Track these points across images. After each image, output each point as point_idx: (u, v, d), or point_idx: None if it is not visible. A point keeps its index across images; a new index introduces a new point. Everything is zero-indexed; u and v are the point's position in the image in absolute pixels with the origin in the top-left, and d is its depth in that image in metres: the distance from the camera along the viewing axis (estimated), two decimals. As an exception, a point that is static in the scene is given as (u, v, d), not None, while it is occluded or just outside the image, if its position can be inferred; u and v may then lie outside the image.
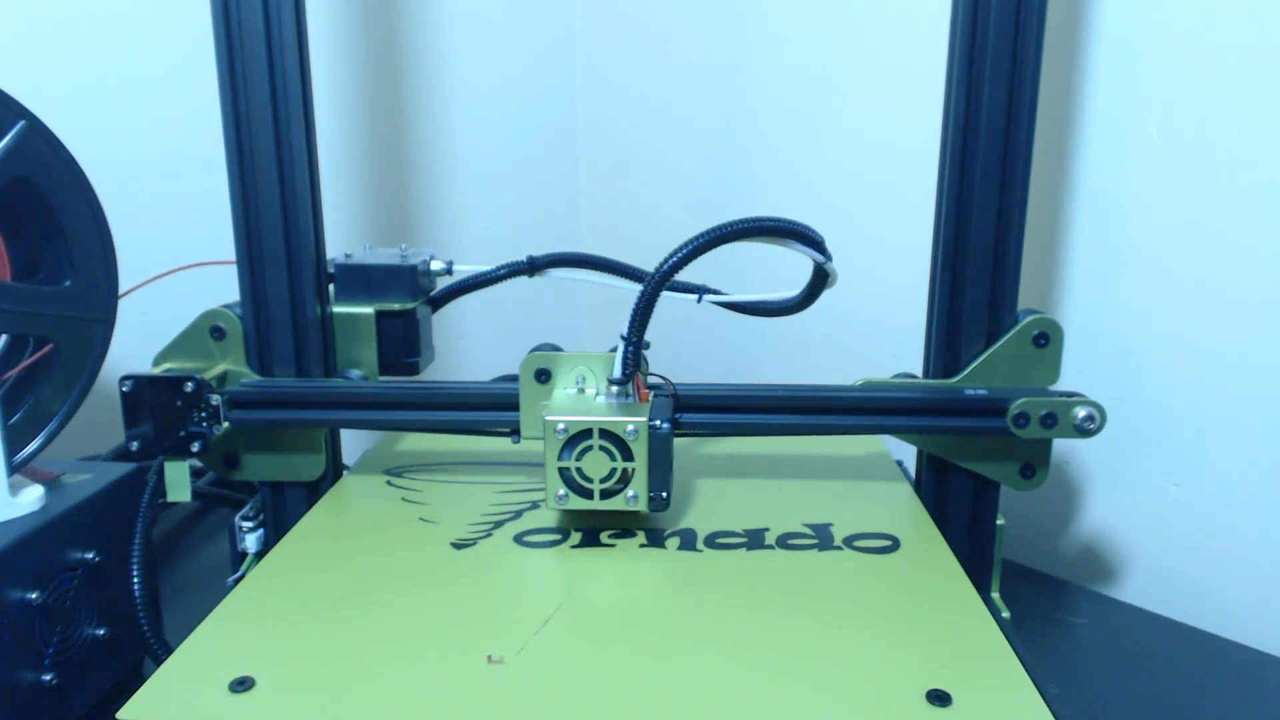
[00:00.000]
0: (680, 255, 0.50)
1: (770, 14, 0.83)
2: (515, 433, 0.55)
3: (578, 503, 0.51)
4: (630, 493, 0.50)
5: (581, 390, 0.53)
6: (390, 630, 0.42)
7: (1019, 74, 0.51)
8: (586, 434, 0.50)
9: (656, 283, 0.51)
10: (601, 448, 0.50)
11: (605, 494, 0.50)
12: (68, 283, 0.50)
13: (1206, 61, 0.59)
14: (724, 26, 0.88)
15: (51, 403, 0.50)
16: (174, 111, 0.80)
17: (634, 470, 0.50)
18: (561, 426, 0.50)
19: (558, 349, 0.55)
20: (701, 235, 0.51)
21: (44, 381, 0.50)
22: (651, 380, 0.54)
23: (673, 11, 0.92)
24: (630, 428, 0.49)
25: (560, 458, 0.50)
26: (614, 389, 0.52)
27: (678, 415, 0.54)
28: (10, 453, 0.48)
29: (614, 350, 0.52)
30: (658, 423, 0.50)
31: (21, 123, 0.48)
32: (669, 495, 0.51)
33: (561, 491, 0.51)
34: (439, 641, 0.41)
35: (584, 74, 1.02)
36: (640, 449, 0.50)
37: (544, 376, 0.54)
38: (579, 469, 0.50)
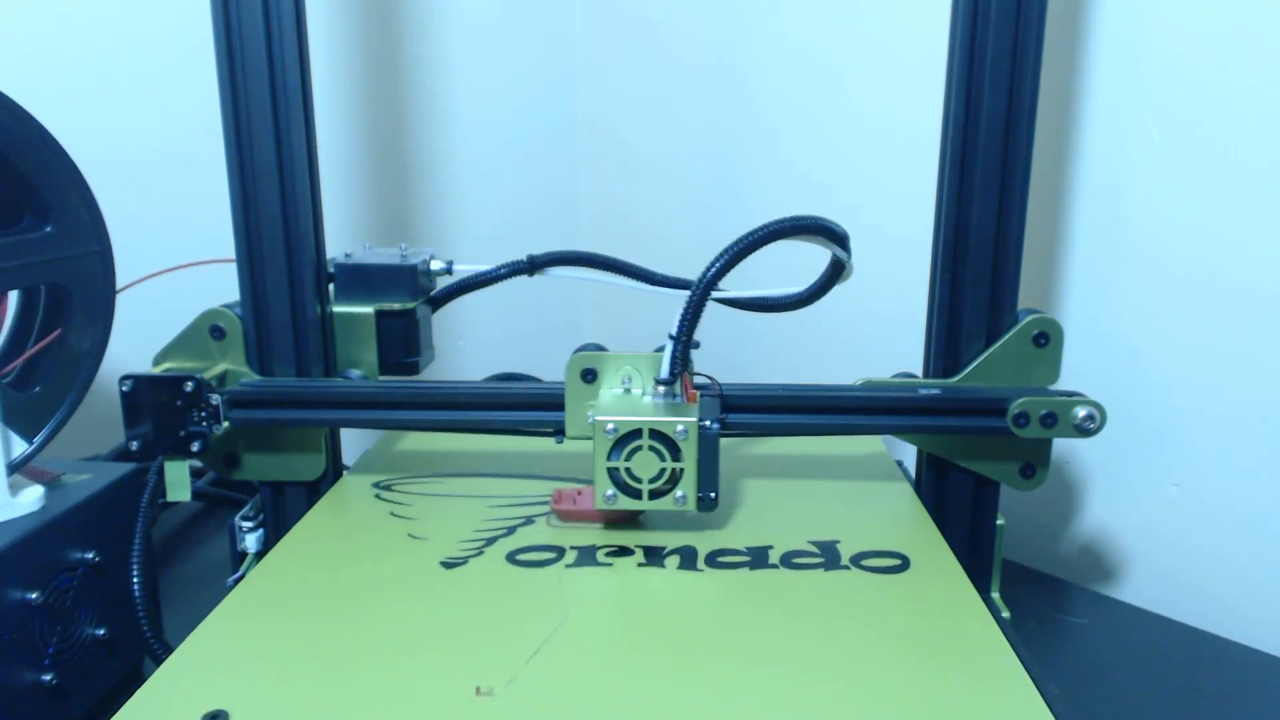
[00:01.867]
0: (735, 250, 0.50)
1: (771, 12, 0.83)
2: (559, 432, 0.55)
3: (626, 503, 0.50)
4: (679, 493, 0.50)
5: (628, 390, 0.53)
6: (372, 659, 0.40)
7: (1019, 74, 0.51)
8: (636, 434, 0.49)
9: (707, 283, 0.50)
10: (651, 448, 0.49)
11: (654, 494, 0.50)
12: (48, 228, 0.49)
13: (1207, 61, 0.59)
14: (724, 25, 0.88)
15: (81, 341, 0.50)
16: (174, 111, 0.80)
17: (683, 470, 0.49)
18: (611, 426, 0.49)
19: (602, 349, 0.54)
20: (750, 235, 0.50)
21: (67, 326, 0.50)
22: (698, 380, 0.54)
23: (673, 10, 0.92)
24: (680, 428, 0.49)
25: (609, 458, 0.50)
26: (661, 389, 0.52)
27: (725, 415, 0.53)
28: (9, 451, 0.48)
29: (660, 350, 0.52)
30: (707, 423, 0.49)
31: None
32: (717, 495, 0.50)
33: (610, 491, 0.50)
34: (424, 672, 0.39)
35: (584, 73, 1.02)
36: (690, 449, 0.49)
37: (590, 376, 0.53)
38: (628, 469, 0.50)
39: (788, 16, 0.82)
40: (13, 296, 0.50)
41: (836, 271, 0.57)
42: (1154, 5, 0.61)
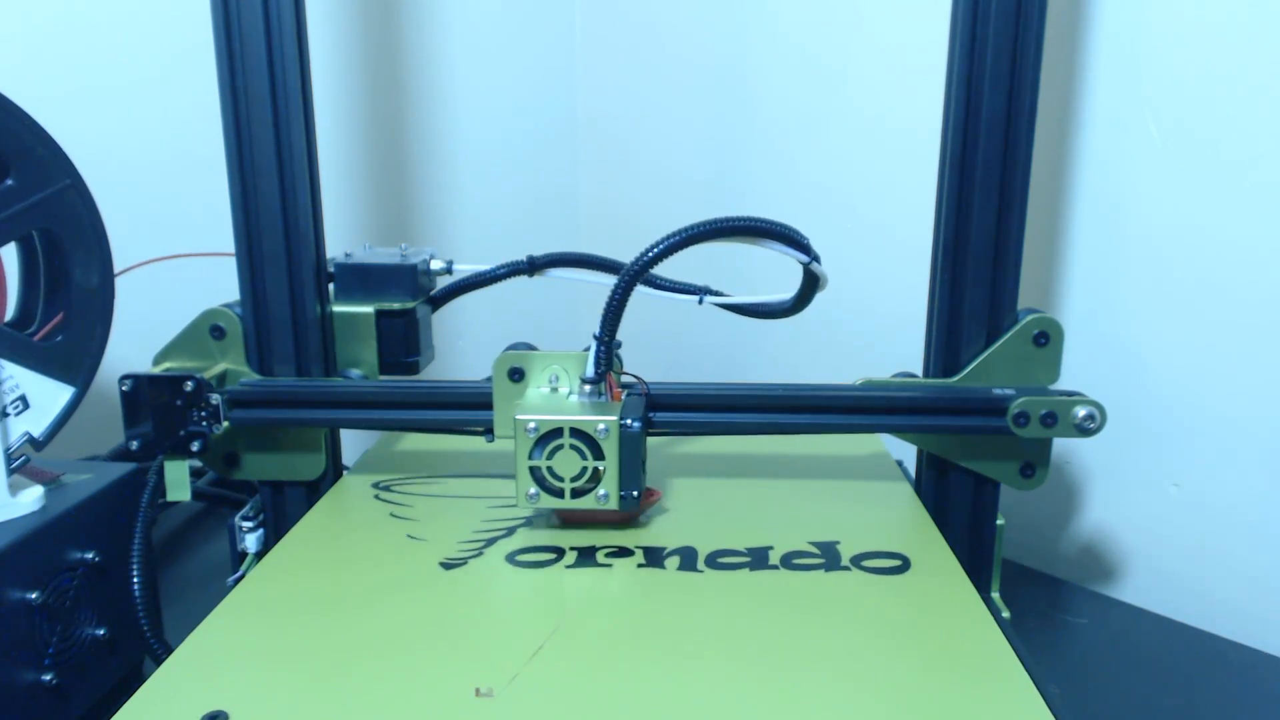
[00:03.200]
0: (652, 254, 0.50)
1: (770, 12, 0.83)
2: (489, 431, 0.55)
3: (549, 501, 0.50)
4: (601, 491, 0.50)
5: (555, 389, 0.53)
6: (372, 659, 0.40)
7: (1019, 74, 0.51)
8: (557, 433, 0.50)
9: (627, 281, 0.51)
10: (572, 446, 0.50)
11: (576, 493, 0.50)
12: (10, 180, 0.48)
13: (1207, 60, 0.59)
14: (724, 25, 0.88)
15: (87, 278, 0.50)
16: (174, 112, 0.80)
17: (604, 469, 0.50)
18: (532, 425, 0.50)
19: (532, 348, 0.55)
20: (675, 235, 0.50)
21: (71, 265, 0.50)
22: (625, 379, 0.54)
23: (673, 10, 0.92)
24: (601, 426, 0.49)
25: (531, 456, 0.50)
26: (586, 388, 0.52)
27: (651, 414, 0.54)
28: (9, 442, 0.48)
29: (587, 349, 0.52)
30: (629, 421, 0.49)
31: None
32: (640, 494, 0.50)
33: (532, 490, 0.50)
34: (423, 672, 0.39)
35: (584, 73, 1.02)
36: (611, 448, 0.50)
37: (517, 375, 0.54)
38: (550, 468, 0.50)
39: (787, 17, 0.82)
40: (10, 255, 0.50)
41: (810, 279, 0.57)
42: (1154, 5, 0.61)
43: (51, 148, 0.49)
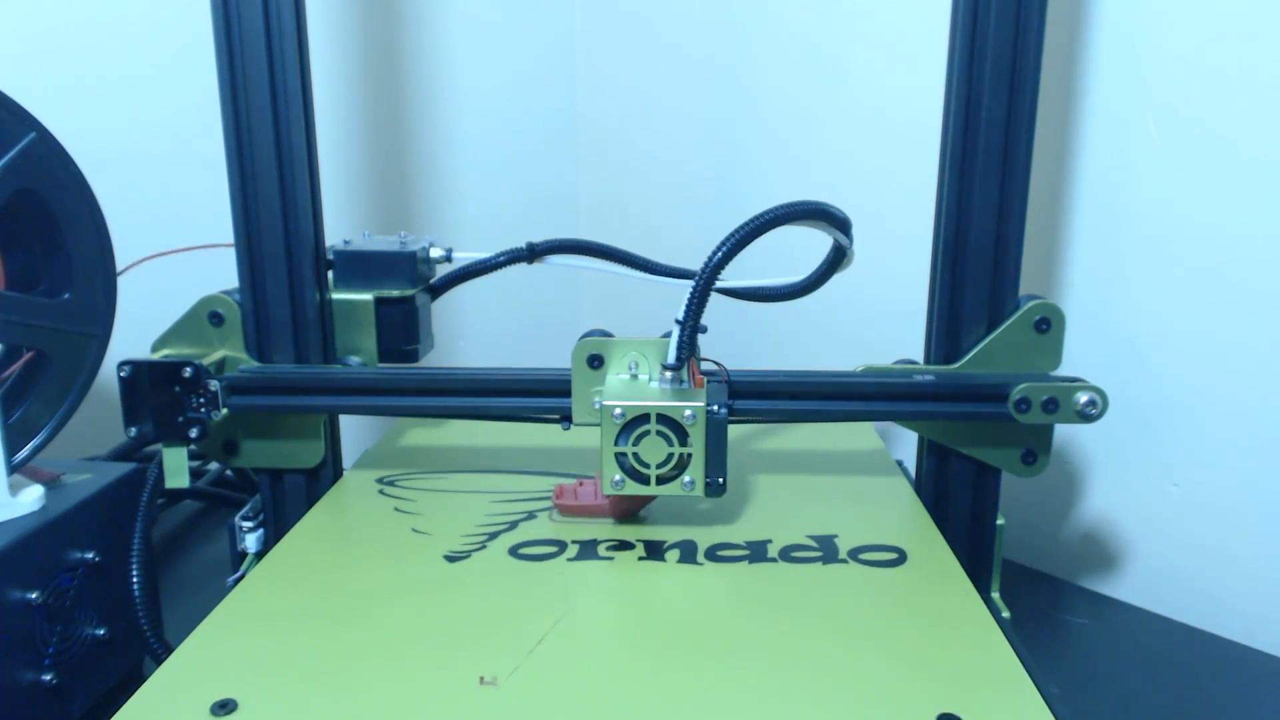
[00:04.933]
0: (739, 236, 0.50)
1: (770, 6, 0.83)
2: (566, 419, 0.54)
3: (634, 488, 0.50)
4: (686, 478, 0.49)
5: (634, 376, 0.53)
6: (378, 649, 0.40)
7: (1019, 66, 0.51)
8: (644, 419, 0.49)
9: (713, 268, 0.50)
10: (659, 433, 0.49)
11: (661, 480, 0.50)
12: (66, 295, 0.49)
13: (1207, 55, 0.59)
14: (724, 19, 0.87)
15: (39, 417, 0.49)
16: (175, 103, 0.79)
17: (691, 455, 0.49)
18: (619, 411, 0.49)
19: (608, 335, 0.54)
20: (758, 218, 0.50)
21: (32, 394, 0.49)
22: (705, 366, 0.53)
23: (673, 5, 0.91)
24: (688, 413, 0.49)
25: (617, 443, 0.49)
26: (668, 374, 0.51)
27: (732, 401, 0.53)
28: (10, 452, 0.47)
29: (667, 336, 0.52)
30: (715, 408, 0.49)
31: (31, 134, 0.47)
32: (725, 480, 0.50)
33: (618, 477, 0.50)
34: (429, 661, 0.40)
35: (584, 67, 1.00)
36: (698, 434, 0.49)
37: (596, 362, 0.53)
38: (636, 454, 0.49)
39: (787, 12, 0.81)
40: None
41: (838, 259, 0.57)
42: (1154, 2, 0.61)
43: (110, 298, 0.50)
